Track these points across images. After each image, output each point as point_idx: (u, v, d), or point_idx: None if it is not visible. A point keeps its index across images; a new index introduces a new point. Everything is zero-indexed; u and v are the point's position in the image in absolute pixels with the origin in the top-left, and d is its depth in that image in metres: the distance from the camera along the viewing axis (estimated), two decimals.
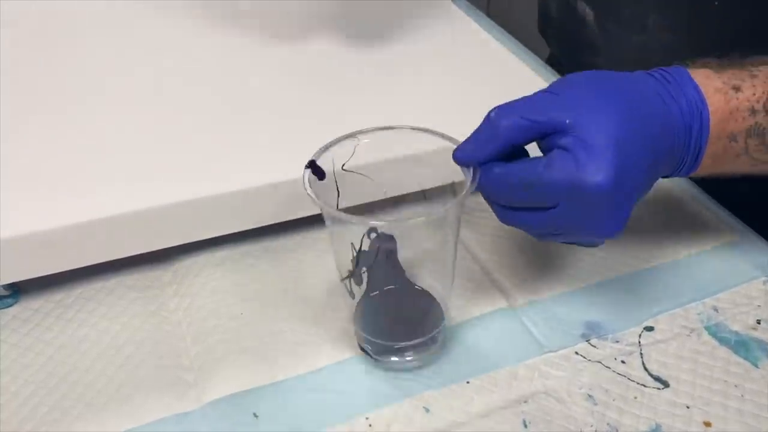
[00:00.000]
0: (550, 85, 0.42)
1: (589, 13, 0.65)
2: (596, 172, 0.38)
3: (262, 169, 0.50)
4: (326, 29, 0.68)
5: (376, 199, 0.50)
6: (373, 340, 0.44)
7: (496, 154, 0.40)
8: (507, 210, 0.42)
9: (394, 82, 0.61)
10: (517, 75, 0.62)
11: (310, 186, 0.40)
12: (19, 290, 0.49)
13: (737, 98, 0.43)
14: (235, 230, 0.51)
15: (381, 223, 0.38)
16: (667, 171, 0.44)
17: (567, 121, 0.39)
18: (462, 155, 0.41)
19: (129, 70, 0.62)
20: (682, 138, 0.42)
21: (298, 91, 0.59)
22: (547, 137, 0.40)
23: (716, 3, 0.55)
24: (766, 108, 0.43)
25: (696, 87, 0.42)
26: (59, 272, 0.48)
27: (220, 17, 0.70)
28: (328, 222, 0.41)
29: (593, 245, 0.44)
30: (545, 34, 0.79)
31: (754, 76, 0.44)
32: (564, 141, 0.39)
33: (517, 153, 0.41)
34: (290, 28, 0.68)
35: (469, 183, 0.40)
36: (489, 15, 0.83)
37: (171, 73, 0.62)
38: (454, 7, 0.73)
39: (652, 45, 0.62)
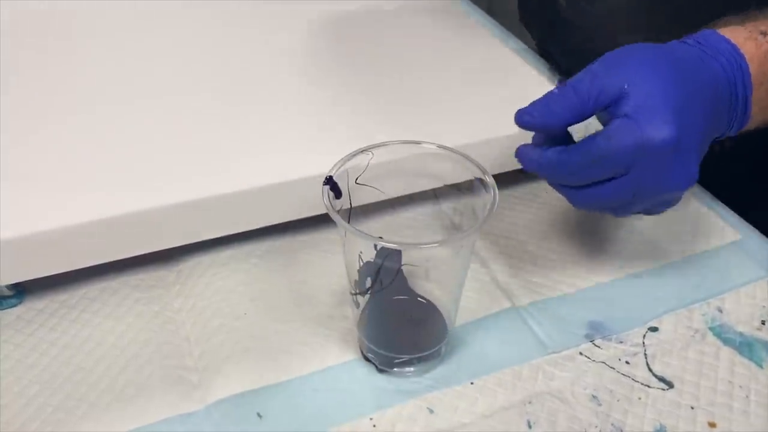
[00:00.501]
0: (598, 61, 0.44)
1: None
2: (660, 129, 0.40)
3: (267, 168, 0.50)
4: (330, 28, 0.68)
5: (386, 198, 0.50)
6: (376, 350, 0.44)
7: (564, 124, 0.42)
8: (578, 190, 0.43)
9: (396, 80, 0.61)
10: (518, 73, 0.62)
11: (330, 202, 0.40)
12: (23, 290, 0.49)
13: (767, 41, 0.44)
14: (240, 230, 0.51)
15: (393, 245, 0.38)
16: (721, 128, 0.45)
17: (625, 86, 0.41)
18: (525, 119, 0.42)
19: (134, 68, 0.62)
20: (728, 92, 0.44)
21: (302, 90, 0.59)
22: (606, 109, 0.42)
23: None
24: None
25: (728, 41, 0.44)
26: (63, 272, 0.48)
27: (223, 16, 0.70)
28: (341, 232, 0.41)
29: (669, 204, 0.45)
30: (527, 25, 0.80)
31: None
32: (623, 109, 0.41)
33: (561, 137, 0.44)
34: (294, 27, 0.68)
35: (488, 208, 0.40)
36: (490, 13, 0.83)
37: (176, 72, 0.62)
38: (455, 4, 0.73)
39: (616, 11, 0.63)
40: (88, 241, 0.47)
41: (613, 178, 0.42)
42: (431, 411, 0.42)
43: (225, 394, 0.43)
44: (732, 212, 0.56)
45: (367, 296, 0.43)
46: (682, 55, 0.44)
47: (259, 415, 0.42)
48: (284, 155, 0.52)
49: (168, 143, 0.53)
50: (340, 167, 0.42)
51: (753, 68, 0.44)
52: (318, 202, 0.40)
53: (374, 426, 0.41)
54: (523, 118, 0.43)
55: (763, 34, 0.45)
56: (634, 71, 0.42)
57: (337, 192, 0.42)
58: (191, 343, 0.46)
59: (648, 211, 0.46)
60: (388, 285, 0.41)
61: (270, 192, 0.50)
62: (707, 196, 0.57)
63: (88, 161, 0.51)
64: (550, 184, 0.45)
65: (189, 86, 0.60)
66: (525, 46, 0.76)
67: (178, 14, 0.70)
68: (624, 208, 0.44)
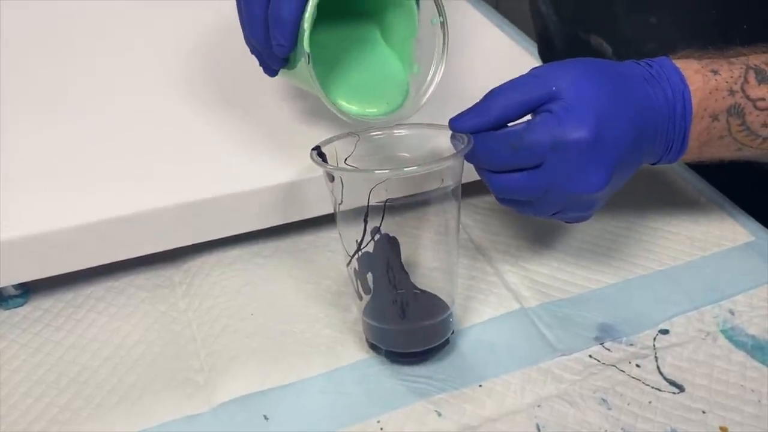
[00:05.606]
0: (543, 65, 0.46)
1: (606, 47, 0.64)
2: (576, 127, 0.41)
3: (273, 168, 0.50)
4: None
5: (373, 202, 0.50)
6: (382, 348, 0.44)
7: (490, 127, 0.43)
8: (499, 176, 0.44)
9: None
10: (524, 66, 0.62)
11: (317, 159, 0.41)
12: (29, 290, 0.49)
13: (716, 79, 0.45)
14: (246, 230, 0.51)
15: (385, 171, 0.39)
16: (657, 152, 0.46)
17: (553, 88, 0.43)
18: (458, 124, 0.44)
19: (137, 69, 0.62)
20: (666, 117, 0.45)
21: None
22: (536, 108, 0.43)
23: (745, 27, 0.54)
24: (744, 89, 0.45)
25: (677, 70, 0.45)
26: (69, 272, 0.48)
27: (219, 18, 0.69)
28: (337, 218, 0.41)
29: (583, 210, 0.45)
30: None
31: (731, 63, 0.46)
32: (548, 106, 0.42)
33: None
34: None
35: (465, 144, 0.42)
36: (497, 8, 0.83)
37: (179, 71, 0.61)
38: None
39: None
40: (94, 241, 0.47)
41: (530, 168, 0.43)
42: (439, 414, 0.42)
43: (231, 396, 0.43)
44: (745, 213, 0.55)
45: (370, 295, 0.43)
46: (623, 71, 0.45)
47: (265, 417, 0.42)
48: (290, 155, 0.51)
49: (174, 143, 0.53)
50: (327, 143, 0.43)
51: (695, 100, 0.45)
52: (324, 202, 0.40)
53: (381, 428, 0.41)
54: (453, 123, 0.44)
55: (714, 72, 0.45)
56: (569, 76, 0.43)
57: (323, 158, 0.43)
58: (197, 343, 0.46)
59: (565, 216, 0.46)
60: (376, 265, 0.42)
61: (276, 192, 0.50)
62: (719, 197, 0.57)
63: (94, 162, 0.51)
64: (474, 164, 0.46)
65: (192, 87, 0.59)
66: (531, 40, 0.75)
67: (178, 16, 0.70)
68: (539, 205, 0.44)
